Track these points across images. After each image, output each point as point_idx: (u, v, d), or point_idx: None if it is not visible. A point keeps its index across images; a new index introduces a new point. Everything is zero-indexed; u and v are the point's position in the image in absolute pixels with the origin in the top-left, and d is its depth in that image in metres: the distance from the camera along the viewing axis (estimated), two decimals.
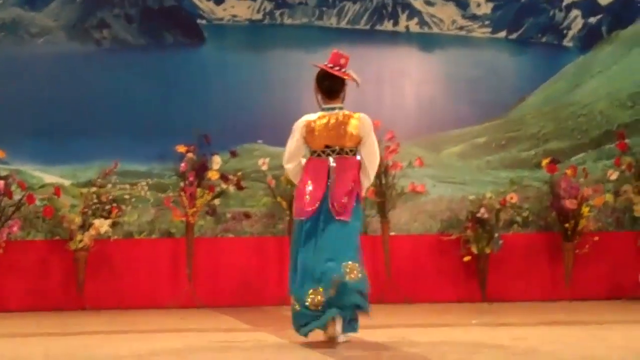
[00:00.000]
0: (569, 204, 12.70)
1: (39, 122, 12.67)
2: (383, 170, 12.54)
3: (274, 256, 12.52)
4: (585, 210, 12.77)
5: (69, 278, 12.29)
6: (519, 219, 13.16)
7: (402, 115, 13.28)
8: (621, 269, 13.02)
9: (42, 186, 12.64)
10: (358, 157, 8.63)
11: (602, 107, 13.72)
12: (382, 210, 12.72)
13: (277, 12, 13.46)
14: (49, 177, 12.69)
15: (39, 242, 12.54)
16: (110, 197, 12.39)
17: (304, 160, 8.72)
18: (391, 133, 12.47)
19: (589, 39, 13.87)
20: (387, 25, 13.63)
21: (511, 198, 12.83)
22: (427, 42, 13.65)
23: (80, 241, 12.13)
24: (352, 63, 12.78)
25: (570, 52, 13.87)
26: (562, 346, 8.37)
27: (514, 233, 13.13)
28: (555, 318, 10.91)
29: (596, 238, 12.89)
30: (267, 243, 12.76)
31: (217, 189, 12.47)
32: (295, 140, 8.65)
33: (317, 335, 8.46)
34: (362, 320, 9.75)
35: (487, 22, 13.74)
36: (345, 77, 8.69)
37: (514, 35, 13.77)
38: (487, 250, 12.69)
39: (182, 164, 12.35)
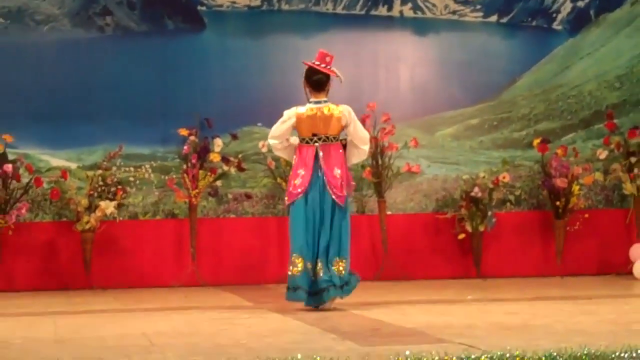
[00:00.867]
0: (560, 182, 12.73)
1: (45, 108, 12.67)
2: (379, 151, 12.57)
3: (275, 236, 12.55)
4: (575, 188, 12.80)
5: (76, 258, 12.31)
6: (511, 197, 13.18)
7: (397, 98, 13.28)
8: (610, 245, 13.06)
9: (49, 169, 12.65)
10: (342, 143, 9.69)
11: (590, 89, 13.73)
12: (379, 190, 12.75)
13: None
14: (56, 160, 12.70)
15: (47, 224, 12.56)
16: (115, 180, 12.40)
17: (294, 141, 9.72)
18: (387, 115, 12.49)
19: (578, 22, 13.85)
20: (382, 11, 13.61)
21: (504, 177, 12.84)
22: (420, 26, 13.64)
23: (87, 222, 12.15)
24: (348, 47, 13.09)
25: (560, 35, 13.86)
26: (553, 320, 8.41)
27: (506, 211, 13.16)
28: (547, 293, 10.96)
29: (586, 215, 12.94)
30: (267, 223, 12.79)
31: (219, 171, 12.49)
32: (285, 125, 9.66)
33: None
34: (360, 296, 9.84)
35: (478, 7, 13.73)
36: (331, 73, 9.67)
37: (505, 19, 13.77)
38: (481, 228, 12.72)
39: (185, 147, 12.36)
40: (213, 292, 11.66)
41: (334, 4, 13.55)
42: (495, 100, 13.59)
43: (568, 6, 13.82)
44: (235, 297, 10.97)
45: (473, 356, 6.00)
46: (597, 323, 8.17)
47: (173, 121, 12.44)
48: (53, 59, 12.96)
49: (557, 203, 12.84)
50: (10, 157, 12.28)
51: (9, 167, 12.07)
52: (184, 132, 12.35)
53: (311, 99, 9.68)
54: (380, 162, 12.65)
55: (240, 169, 12.61)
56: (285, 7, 13.47)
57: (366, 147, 9.79)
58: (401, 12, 13.63)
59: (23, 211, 12.15)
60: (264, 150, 12.49)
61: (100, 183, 12.25)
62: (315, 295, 9.43)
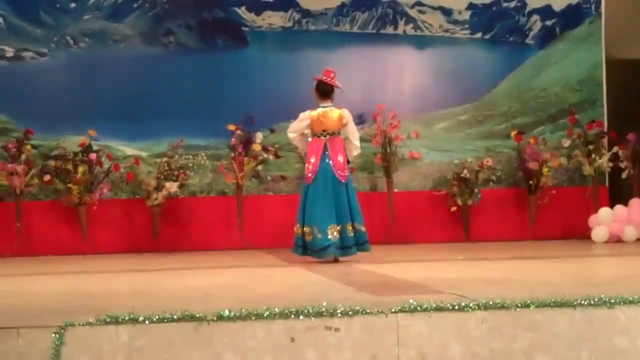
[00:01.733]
0: (532, 165, 12.68)
1: (122, 108, 12.66)
2: (387, 142, 12.57)
3: None
4: (545, 170, 12.75)
5: (147, 227, 12.33)
6: (493, 177, 13.12)
7: (402, 99, 13.21)
8: (573, 215, 13.00)
9: (125, 157, 12.65)
10: (342, 137, 10.17)
11: (557, 91, 13.64)
12: (387, 173, 12.71)
13: (304, 21, 13.39)
14: (131, 150, 12.70)
15: (124, 201, 12.57)
16: (178, 165, 12.40)
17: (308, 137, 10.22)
18: (393, 112, 12.49)
19: (546, 38, 13.76)
20: (389, 29, 13.53)
21: (487, 162, 12.81)
22: (420, 42, 13.56)
23: (156, 199, 12.15)
24: (362, 59, 13.11)
25: (532, 48, 13.76)
26: (528, 275, 8.38)
27: (489, 189, 13.09)
28: (522, 254, 10.91)
29: (554, 192, 12.88)
30: (298, 199, 12.73)
31: (260, 158, 12.47)
32: (301, 124, 10.25)
33: None
34: (373, 256, 9.83)
35: (466, 26, 13.63)
36: (334, 85, 10.14)
37: (487, 36, 13.67)
38: (469, 202, 12.68)
39: (233, 139, 12.35)
40: (255, 254, 11.65)
41: (351, 25, 13.49)
42: (480, 100, 13.50)
43: (538, 25, 13.75)
44: (273, 258, 10.97)
45: (463, 303, 5.97)
46: (562, 277, 8.13)
47: (223, 119, 12.40)
48: (127, 70, 12.93)
49: (530, 182, 12.79)
50: (95, 147, 12.29)
51: (93, 156, 12.09)
52: (232, 127, 12.34)
53: (320, 104, 10.16)
54: (388, 150, 12.62)
55: (276, 156, 12.59)
56: (312, 27, 13.42)
57: (358, 143, 10.29)
58: (404, 30, 13.55)
59: (105, 190, 12.17)
60: None
61: (166, 168, 12.26)
62: (342, 249, 9.96)
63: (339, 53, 13.26)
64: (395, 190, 12.83)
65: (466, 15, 13.63)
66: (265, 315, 5.77)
